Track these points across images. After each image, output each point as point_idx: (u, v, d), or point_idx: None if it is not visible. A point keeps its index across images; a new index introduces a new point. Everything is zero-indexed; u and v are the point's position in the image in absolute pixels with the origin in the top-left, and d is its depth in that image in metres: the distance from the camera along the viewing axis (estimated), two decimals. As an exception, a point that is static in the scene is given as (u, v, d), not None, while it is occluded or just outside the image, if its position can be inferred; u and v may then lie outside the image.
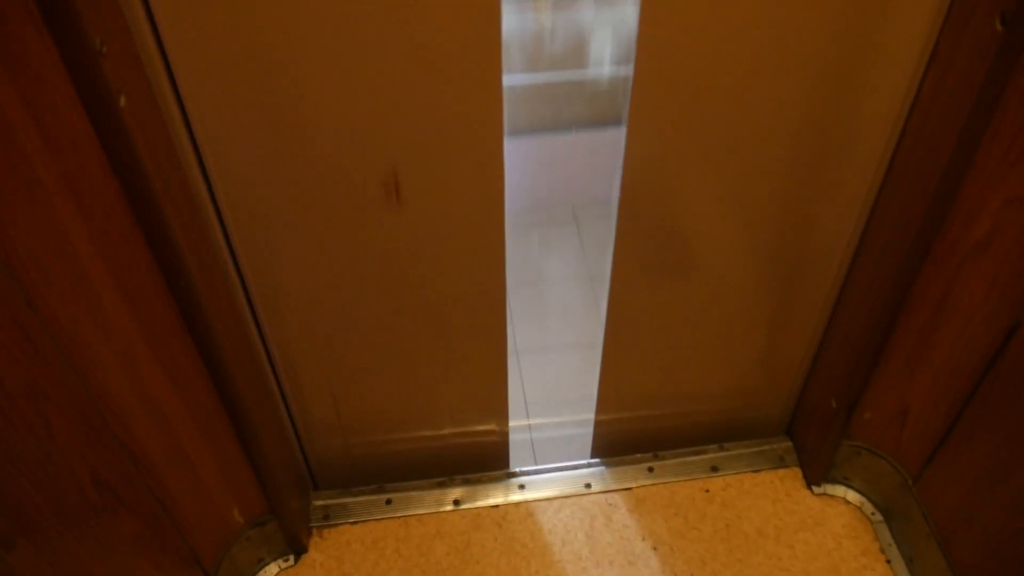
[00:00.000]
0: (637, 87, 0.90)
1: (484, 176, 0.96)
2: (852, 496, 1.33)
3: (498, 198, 0.99)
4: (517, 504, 1.33)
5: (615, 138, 1.68)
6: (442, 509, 1.32)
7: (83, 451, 0.83)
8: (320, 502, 1.33)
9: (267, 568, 1.26)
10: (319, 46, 0.82)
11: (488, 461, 1.36)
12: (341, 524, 1.31)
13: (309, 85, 0.85)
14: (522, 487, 1.34)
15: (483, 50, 0.84)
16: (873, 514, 1.30)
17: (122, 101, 0.73)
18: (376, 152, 0.92)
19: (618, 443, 1.37)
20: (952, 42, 0.87)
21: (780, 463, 1.37)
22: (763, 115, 0.95)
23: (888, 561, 1.25)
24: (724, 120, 0.95)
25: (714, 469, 1.36)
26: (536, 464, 1.37)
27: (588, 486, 1.34)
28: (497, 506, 1.32)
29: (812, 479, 1.34)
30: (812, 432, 1.31)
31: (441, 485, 1.34)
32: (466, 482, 1.34)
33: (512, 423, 1.32)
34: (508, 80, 0.91)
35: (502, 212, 1.01)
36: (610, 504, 1.32)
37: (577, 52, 1.86)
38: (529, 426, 1.37)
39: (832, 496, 1.33)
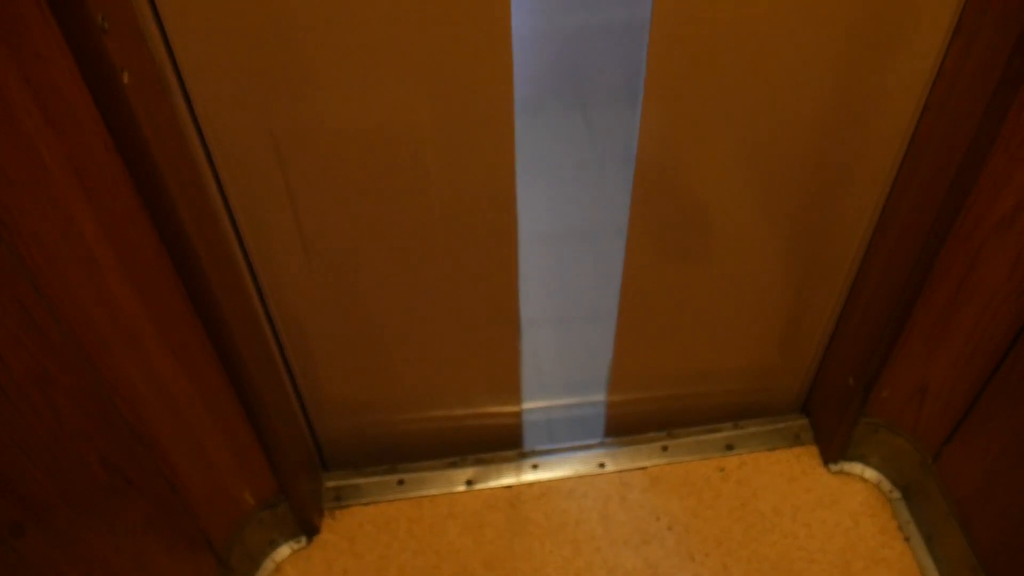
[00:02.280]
0: (652, 57, 0.88)
1: (495, 151, 0.95)
2: (869, 474, 1.31)
3: (509, 172, 0.97)
4: (530, 484, 1.32)
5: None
6: (455, 489, 1.31)
7: (92, 435, 0.82)
8: (332, 483, 1.32)
9: (279, 550, 1.25)
10: (320, 13, 0.80)
11: (501, 441, 1.35)
12: (353, 505, 1.30)
13: (312, 58, 0.83)
14: (535, 467, 1.33)
15: None
16: (891, 492, 1.29)
17: (125, 78, 0.71)
18: (386, 117, 0.90)
19: (632, 422, 1.36)
20: (978, 13, 0.85)
21: (796, 441, 1.36)
22: (783, 90, 0.93)
23: (907, 539, 1.24)
24: (743, 95, 0.93)
25: (729, 447, 1.35)
26: (549, 443, 1.36)
27: (602, 465, 1.33)
28: (510, 486, 1.31)
29: (829, 457, 1.32)
30: (829, 409, 1.30)
31: (453, 465, 1.33)
32: (479, 462, 1.33)
33: (525, 403, 1.31)
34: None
35: (513, 181, 0.99)
36: (624, 483, 1.31)
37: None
38: (542, 405, 1.36)
39: (849, 474, 1.32)
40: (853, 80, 0.93)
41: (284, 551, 1.25)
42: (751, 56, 0.89)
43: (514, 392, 1.28)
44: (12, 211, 0.69)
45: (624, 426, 1.36)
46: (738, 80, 0.91)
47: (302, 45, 0.81)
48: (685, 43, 0.87)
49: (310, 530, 1.26)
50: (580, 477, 1.32)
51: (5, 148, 0.67)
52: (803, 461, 1.34)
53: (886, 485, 1.30)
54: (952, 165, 0.91)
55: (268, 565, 1.24)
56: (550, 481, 1.32)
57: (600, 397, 1.33)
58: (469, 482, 1.32)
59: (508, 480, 1.32)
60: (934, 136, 0.94)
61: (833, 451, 1.31)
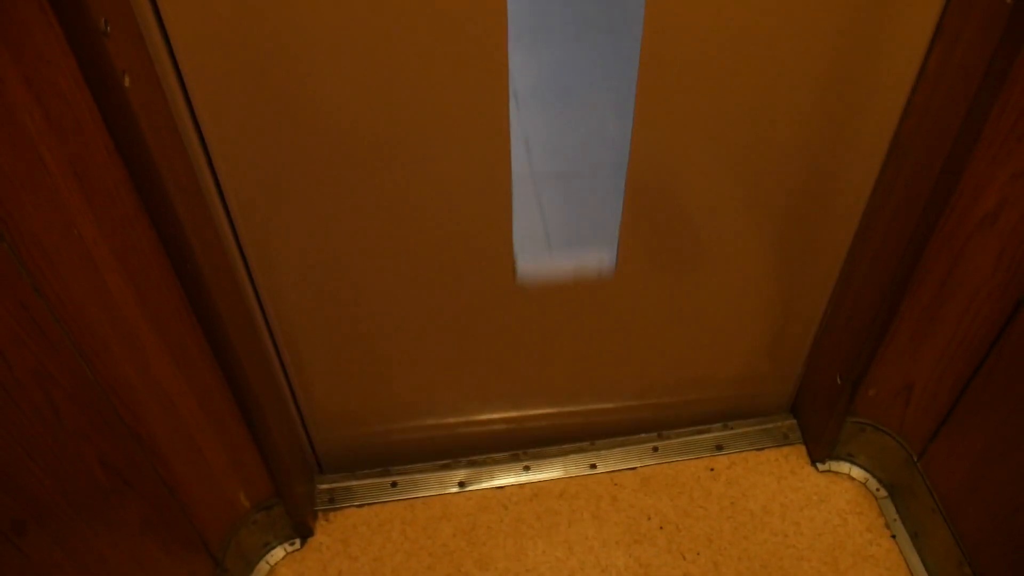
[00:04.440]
0: (644, 66, 0.90)
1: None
2: (856, 472, 1.33)
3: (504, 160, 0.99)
4: (522, 485, 1.33)
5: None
6: (447, 491, 1.32)
7: (91, 435, 0.83)
8: (325, 485, 1.32)
9: (273, 552, 1.26)
10: (319, 20, 0.81)
11: (494, 444, 1.36)
12: (347, 507, 1.31)
13: (310, 61, 0.84)
14: (527, 468, 1.34)
15: None
16: (878, 490, 1.31)
17: (126, 81, 0.72)
18: (381, 123, 0.91)
19: (623, 425, 1.37)
20: (959, 16, 0.87)
21: (784, 441, 1.37)
22: (769, 94, 0.95)
23: (893, 536, 1.26)
24: (730, 100, 0.95)
25: (719, 448, 1.36)
26: (541, 446, 1.37)
27: (593, 466, 1.34)
28: (503, 487, 1.32)
29: (817, 456, 1.34)
30: (816, 409, 1.32)
31: (446, 467, 1.34)
32: (471, 464, 1.34)
33: (518, 410, 1.32)
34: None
35: (508, 187, 1.00)
36: (615, 484, 1.33)
37: None
38: (535, 413, 1.36)
39: (836, 473, 1.34)
40: (837, 84, 0.95)
41: (278, 553, 1.26)
42: (738, 63, 0.91)
43: (508, 398, 1.30)
44: (13, 212, 0.70)
45: (615, 429, 1.38)
46: (725, 86, 0.93)
47: (301, 47, 0.82)
48: (674, 52, 0.89)
49: (304, 532, 1.26)
50: (571, 478, 1.34)
51: (6, 149, 0.68)
52: (791, 460, 1.36)
53: (873, 483, 1.32)
54: (935, 165, 0.93)
55: (262, 567, 1.24)
56: (542, 482, 1.33)
57: (592, 403, 1.35)
58: (462, 484, 1.32)
59: (500, 481, 1.33)
60: (917, 137, 0.96)
61: (821, 450, 1.33)
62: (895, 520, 1.27)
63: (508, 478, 1.33)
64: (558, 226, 1.63)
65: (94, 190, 0.78)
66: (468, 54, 0.86)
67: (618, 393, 1.33)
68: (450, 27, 0.84)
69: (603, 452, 1.36)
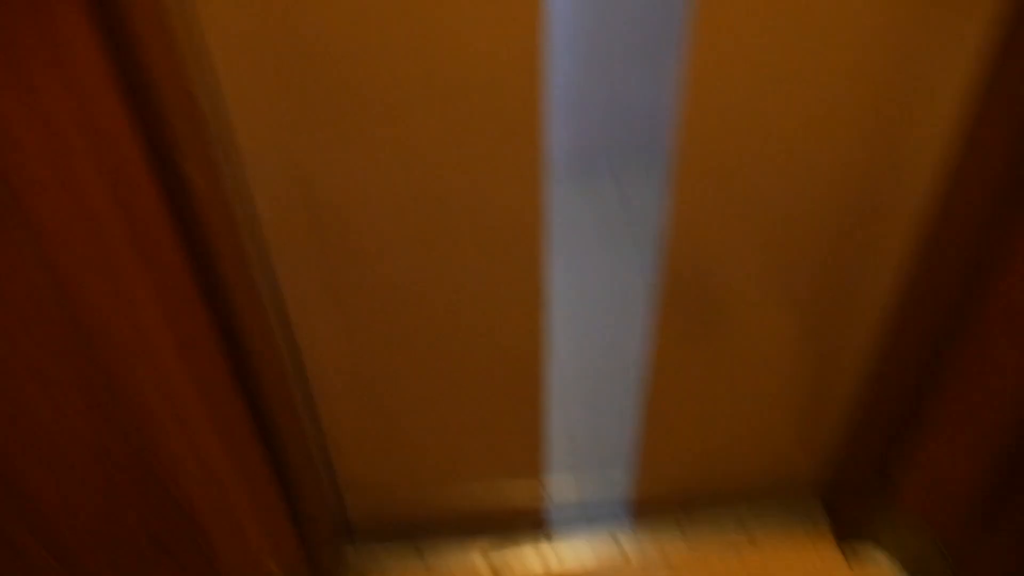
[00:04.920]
0: (681, 161, 0.93)
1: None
2: (884, 562, 1.32)
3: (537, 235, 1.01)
4: (549, 565, 1.33)
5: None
6: (475, 566, 1.33)
7: (139, 506, 0.85)
8: (354, 555, 1.34)
9: (301, 619, 1.27)
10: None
11: (524, 519, 1.37)
12: (375, 577, 1.32)
13: (357, 150, 0.88)
14: (553, 546, 1.35)
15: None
16: (906, 581, 1.30)
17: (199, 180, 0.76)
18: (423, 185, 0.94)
19: (653, 503, 1.38)
20: (989, 113, 0.89)
21: (813, 526, 1.37)
22: (805, 187, 0.97)
23: (921, 630, 1.25)
24: (766, 192, 0.97)
25: (746, 532, 1.36)
26: (570, 525, 1.38)
27: (622, 551, 1.34)
28: (530, 566, 1.33)
29: (845, 543, 1.34)
30: (846, 496, 1.32)
31: (473, 541, 1.35)
32: (498, 539, 1.35)
33: (549, 486, 1.33)
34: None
35: (539, 263, 1.03)
36: (643, 567, 1.33)
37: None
38: (566, 490, 1.38)
39: (865, 561, 1.33)
40: (868, 174, 0.97)
41: (306, 621, 1.27)
42: (771, 155, 0.94)
43: (538, 470, 1.31)
44: (78, 286, 0.73)
45: (645, 507, 1.38)
46: (761, 173, 0.96)
47: (348, 135, 0.86)
48: (711, 153, 0.92)
49: (332, 601, 1.28)
50: (598, 559, 1.34)
51: (81, 235, 0.72)
52: (819, 546, 1.35)
53: (902, 574, 1.31)
54: (967, 260, 0.94)
55: (290, 635, 1.25)
56: (569, 564, 1.33)
57: (622, 482, 1.36)
58: (489, 560, 1.33)
59: (527, 560, 1.33)
60: (946, 233, 0.97)
61: (850, 537, 1.33)
62: (923, 614, 1.27)
63: (535, 557, 1.34)
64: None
65: (154, 262, 0.81)
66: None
67: (651, 470, 1.34)
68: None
69: (632, 536, 1.37)
